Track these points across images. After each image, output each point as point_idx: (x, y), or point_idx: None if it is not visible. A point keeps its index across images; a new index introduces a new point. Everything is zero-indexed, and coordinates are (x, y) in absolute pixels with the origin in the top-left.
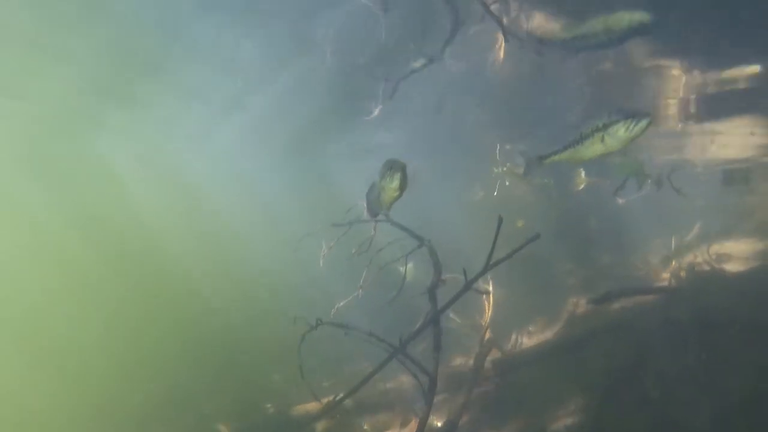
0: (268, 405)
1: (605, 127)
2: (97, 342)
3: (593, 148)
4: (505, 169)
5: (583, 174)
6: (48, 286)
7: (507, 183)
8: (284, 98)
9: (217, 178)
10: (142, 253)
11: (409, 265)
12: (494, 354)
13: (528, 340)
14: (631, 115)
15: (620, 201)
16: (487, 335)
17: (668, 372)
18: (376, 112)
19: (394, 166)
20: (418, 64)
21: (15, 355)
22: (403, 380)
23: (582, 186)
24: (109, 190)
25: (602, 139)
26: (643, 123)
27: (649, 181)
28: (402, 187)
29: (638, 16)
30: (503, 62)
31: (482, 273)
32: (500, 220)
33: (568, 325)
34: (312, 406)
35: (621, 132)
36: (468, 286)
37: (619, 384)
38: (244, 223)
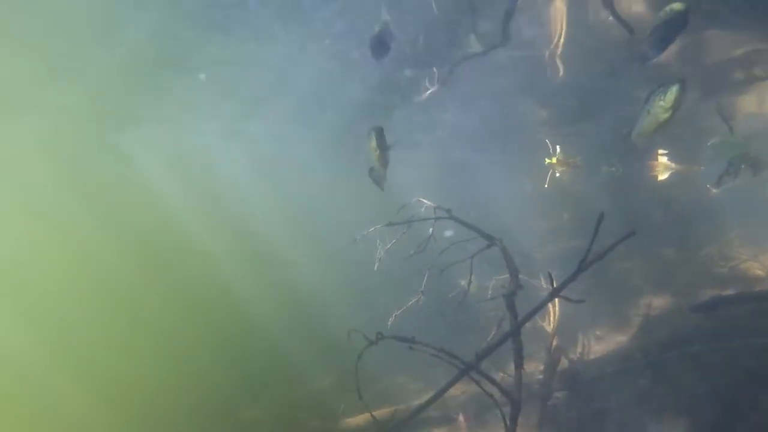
0: (311, 417)
1: (647, 100)
2: (135, 347)
3: (647, 121)
4: (555, 159)
5: (666, 160)
6: (81, 289)
7: (557, 174)
8: (328, 84)
9: (254, 172)
10: (178, 256)
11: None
12: (562, 363)
13: (597, 346)
14: (662, 83)
15: (714, 191)
16: (555, 342)
17: None
18: (427, 95)
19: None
20: (475, 49)
21: (47, 357)
22: (458, 387)
23: (666, 174)
24: (139, 189)
25: (648, 113)
26: (674, 90)
27: (747, 166)
28: None
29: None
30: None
31: (574, 276)
32: (601, 216)
33: (644, 330)
34: (361, 420)
35: (659, 102)
36: (557, 292)
37: (734, 417)
38: (285, 220)
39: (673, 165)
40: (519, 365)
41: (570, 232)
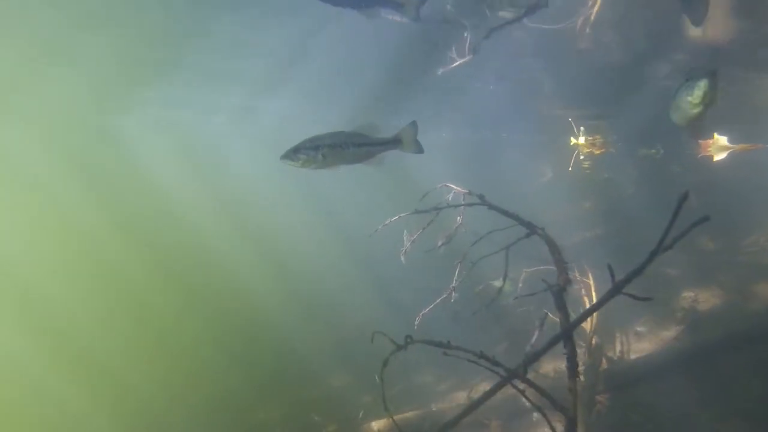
0: (327, 419)
1: (675, 94)
2: (139, 346)
3: (677, 115)
4: (581, 140)
5: (725, 141)
6: (81, 286)
7: (581, 157)
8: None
9: (264, 162)
10: (185, 250)
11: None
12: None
13: (637, 343)
14: (690, 76)
15: None
16: (594, 341)
17: None
18: (456, 64)
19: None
20: (508, 14)
21: (55, 356)
22: (487, 388)
23: (723, 155)
24: (142, 177)
25: (678, 107)
26: (702, 84)
27: None
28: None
29: None
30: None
31: (643, 267)
32: (685, 195)
33: (691, 326)
34: (384, 425)
35: (686, 98)
36: (619, 287)
37: None
38: (298, 214)
39: (729, 145)
40: (574, 374)
41: (596, 221)
